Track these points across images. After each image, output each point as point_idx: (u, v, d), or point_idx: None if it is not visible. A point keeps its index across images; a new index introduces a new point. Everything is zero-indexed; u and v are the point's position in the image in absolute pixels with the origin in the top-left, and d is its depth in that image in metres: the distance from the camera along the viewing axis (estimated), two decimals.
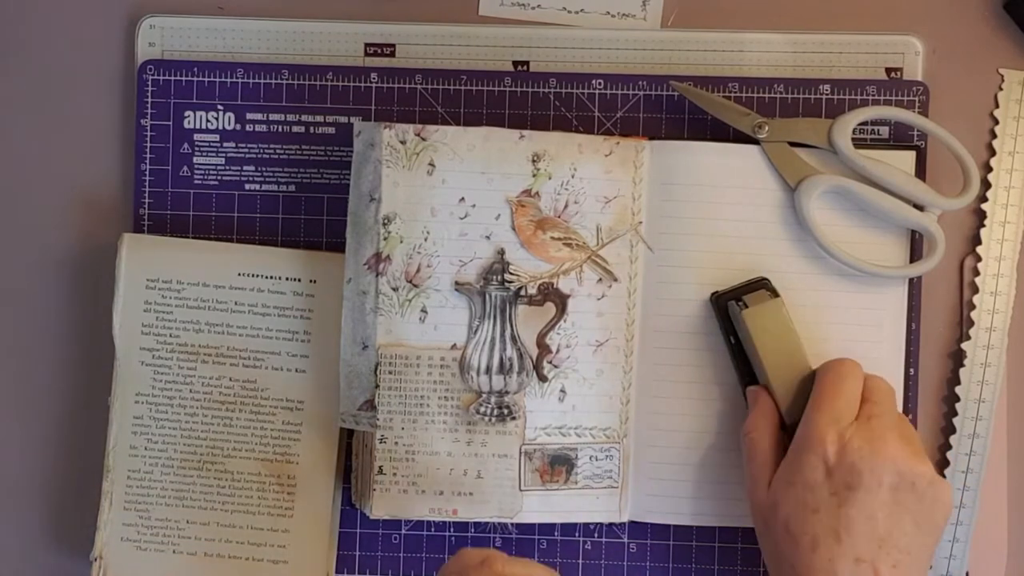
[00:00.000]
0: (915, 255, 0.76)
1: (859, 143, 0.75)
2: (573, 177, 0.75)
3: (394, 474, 0.74)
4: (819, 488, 0.65)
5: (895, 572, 0.64)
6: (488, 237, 0.75)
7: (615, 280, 0.75)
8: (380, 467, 0.74)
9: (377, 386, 0.74)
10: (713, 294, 0.75)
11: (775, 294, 0.74)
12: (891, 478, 0.65)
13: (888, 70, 0.78)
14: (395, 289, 0.74)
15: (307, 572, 0.76)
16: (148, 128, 0.79)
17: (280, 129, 0.78)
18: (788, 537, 0.65)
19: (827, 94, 0.77)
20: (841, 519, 0.64)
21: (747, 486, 0.70)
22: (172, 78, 0.78)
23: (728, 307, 0.74)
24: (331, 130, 0.78)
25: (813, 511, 0.65)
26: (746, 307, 0.73)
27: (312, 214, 0.78)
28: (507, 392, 0.74)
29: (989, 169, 0.77)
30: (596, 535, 0.77)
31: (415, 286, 0.74)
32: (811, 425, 0.67)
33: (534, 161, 0.74)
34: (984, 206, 0.77)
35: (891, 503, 0.65)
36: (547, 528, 0.77)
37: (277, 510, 0.76)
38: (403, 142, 0.74)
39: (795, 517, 0.65)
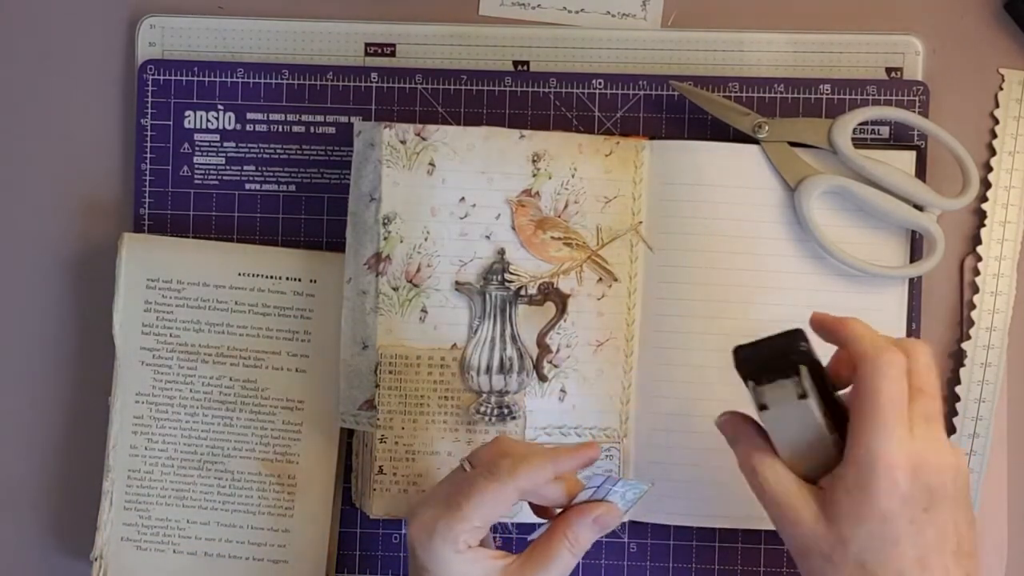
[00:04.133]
0: (915, 255, 0.76)
1: (859, 143, 0.75)
2: (573, 177, 0.75)
3: (394, 474, 0.74)
4: (896, 518, 0.58)
5: None
6: (488, 237, 0.75)
7: (615, 280, 0.75)
8: (380, 467, 0.74)
9: (377, 386, 0.74)
10: (736, 351, 0.63)
11: (811, 370, 0.61)
12: (953, 484, 0.60)
13: (888, 70, 0.78)
14: (395, 289, 0.74)
15: (307, 572, 0.76)
16: (148, 128, 0.79)
17: (280, 129, 0.78)
18: (865, 574, 0.59)
19: (827, 94, 0.77)
20: (923, 547, 0.59)
21: (781, 526, 0.62)
22: (172, 78, 0.78)
23: (745, 384, 0.62)
24: (331, 130, 0.78)
25: (893, 544, 0.58)
26: (766, 408, 0.61)
27: (312, 214, 0.78)
28: (507, 392, 0.74)
29: (989, 169, 0.77)
30: None
31: (415, 286, 0.74)
32: (872, 448, 0.59)
33: (534, 161, 0.74)
34: (984, 206, 0.77)
35: (954, 510, 0.60)
36: None
37: (277, 510, 0.76)
38: (403, 142, 0.74)
39: (873, 553, 0.59)
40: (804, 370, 0.60)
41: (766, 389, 0.61)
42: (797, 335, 0.61)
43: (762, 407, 0.61)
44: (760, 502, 0.63)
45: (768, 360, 0.61)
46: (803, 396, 0.60)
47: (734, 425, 0.65)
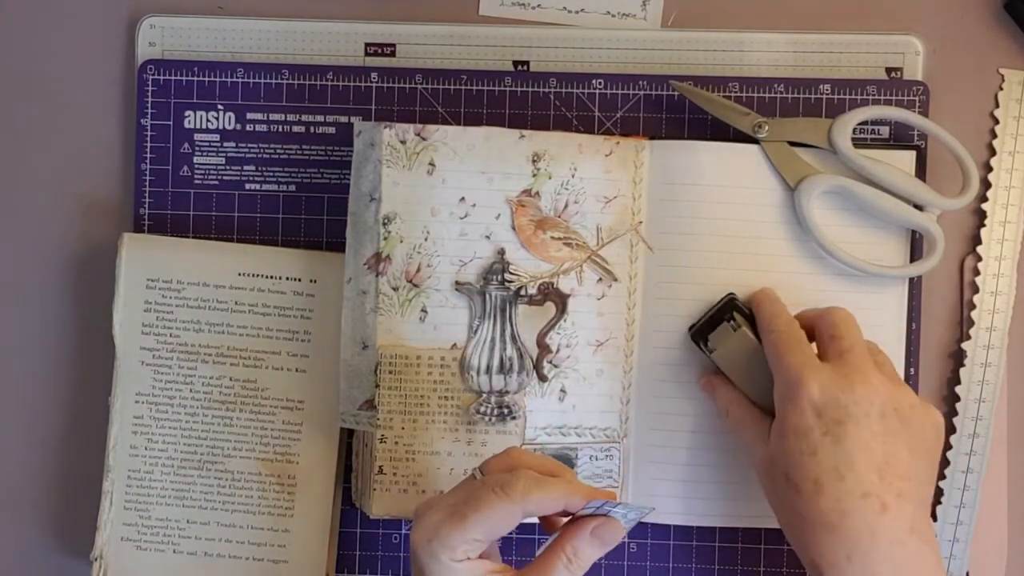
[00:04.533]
0: (915, 255, 0.76)
1: (859, 143, 0.75)
2: (573, 177, 0.75)
3: (394, 474, 0.74)
4: (811, 431, 0.64)
5: (900, 501, 0.64)
6: (488, 237, 0.75)
7: (615, 280, 0.75)
8: (380, 467, 0.74)
9: (377, 386, 0.74)
10: (690, 328, 0.74)
11: (739, 319, 0.73)
12: (877, 407, 0.65)
13: (888, 70, 0.78)
14: (395, 289, 0.74)
15: (307, 572, 0.76)
16: (148, 128, 0.79)
17: (280, 129, 0.78)
18: (791, 487, 0.64)
19: (827, 94, 0.77)
20: (839, 456, 0.64)
21: (747, 451, 0.70)
22: (172, 78, 0.78)
23: (700, 348, 0.74)
24: (331, 130, 0.78)
25: (810, 455, 0.64)
26: (714, 350, 0.73)
27: (312, 214, 0.78)
28: (507, 392, 0.74)
29: (989, 169, 0.77)
30: None
31: (415, 286, 0.74)
32: (787, 371, 0.67)
33: (534, 161, 0.74)
34: (984, 206, 0.77)
35: (882, 432, 0.65)
36: None
37: (277, 510, 0.76)
38: (403, 142, 0.74)
39: (794, 465, 0.64)
40: (735, 313, 0.73)
41: (710, 338, 0.73)
42: (729, 297, 0.74)
43: (712, 351, 0.73)
44: (733, 437, 0.72)
45: (710, 321, 0.74)
46: (737, 328, 0.72)
47: (710, 381, 0.73)
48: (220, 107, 0.78)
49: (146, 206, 0.79)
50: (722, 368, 0.73)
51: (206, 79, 0.78)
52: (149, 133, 0.79)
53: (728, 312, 0.73)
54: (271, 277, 0.77)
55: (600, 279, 0.75)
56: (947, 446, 0.77)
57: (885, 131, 0.77)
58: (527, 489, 0.62)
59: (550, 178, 0.75)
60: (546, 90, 0.78)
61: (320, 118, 0.78)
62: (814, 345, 0.70)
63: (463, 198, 0.74)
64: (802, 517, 0.64)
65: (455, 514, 0.61)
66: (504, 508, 0.61)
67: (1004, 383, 0.77)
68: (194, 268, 0.77)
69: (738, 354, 0.72)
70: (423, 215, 0.74)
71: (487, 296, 0.75)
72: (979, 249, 0.77)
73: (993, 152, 0.78)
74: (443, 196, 0.74)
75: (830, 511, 0.63)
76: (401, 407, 0.74)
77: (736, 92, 0.77)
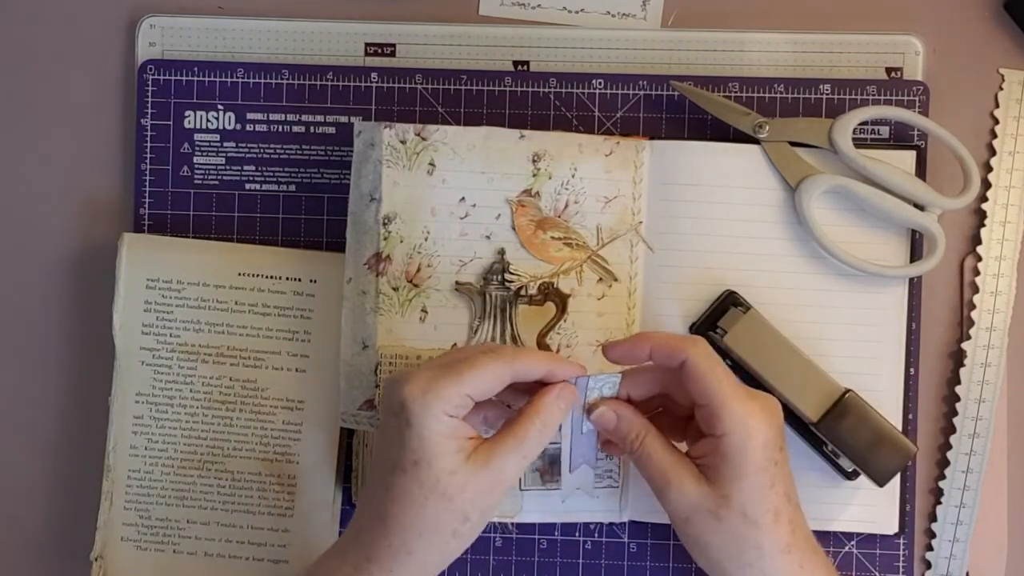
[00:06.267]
0: (915, 255, 0.76)
1: (859, 143, 0.75)
2: (573, 177, 0.75)
3: None
4: (769, 465, 0.65)
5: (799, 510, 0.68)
6: (488, 237, 0.75)
7: (615, 280, 0.75)
8: None
9: (377, 386, 0.74)
10: (691, 326, 0.75)
11: (746, 306, 0.74)
12: (783, 432, 0.67)
13: (888, 70, 0.78)
14: (395, 289, 0.74)
15: None
16: (148, 128, 0.79)
17: (280, 129, 0.78)
18: (748, 523, 0.65)
19: (827, 94, 0.77)
20: (785, 482, 0.66)
21: (667, 493, 0.66)
22: (172, 78, 0.78)
23: (711, 339, 0.73)
24: (331, 130, 0.78)
25: (770, 487, 0.65)
26: (725, 333, 0.73)
27: (312, 214, 0.78)
28: None
29: (989, 169, 0.77)
30: (596, 535, 0.77)
31: (415, 286, 0.74)
32: (737, 415, 0.64)
33: (534, 161, 0.74)
34: (984, 206, 0.77)
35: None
36: (547, 528, 0.77)
37: (277, 510, 0.76)
38: (403, 142, 0.74)
39: (753, 501, 0.65)
40: (738, 294, 0.74)
41: (720, 323, 0.74)
42: (727, 292, 0.75)
43: (723, 335, 0.73)
44: (645, 475, 0.68)
45: (710, 317, 0.74)
46: (747, 310, 0.74)
47: (609, 415, 0.68)
48: (220, 107, 0.78)
49: (146, 206, 0.79)
50: (734, 351, 0.73)
51: (206, 79, 0.78)
52: (149, 133, 0.79)
53: (729, 306, 0.74)
54: (271, 277, 0.77)
55: (600, 279, 0.75)
56: (947, 446, 0.77)
57: (885, 131, 0.77)
58: (516, 352, 0.66)
59: (550, 178, 0.75)
60: (546, 90, 0.78)
61: (320, 118, 0.78)
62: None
63: (463, 198, 0.74)
64: (760, 549, 0.65)
65: (451, 370, 0.64)
66: (496, 367, 0.64)
67: (1004, 383, 0.77)
68: (194, 268, 0.77)
69: (750, 335, 0.73)
70: (423, 215, 0.74)
71: (487, 296, 0.74)
72: (979, 249, 0.77)
73: (993, 152, 0.78)
74: (443, 196, 0.74)
75: (786, 534, 0.65)
76: None
77: (736, 92, 0.77)
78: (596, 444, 0.69)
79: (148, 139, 0.79)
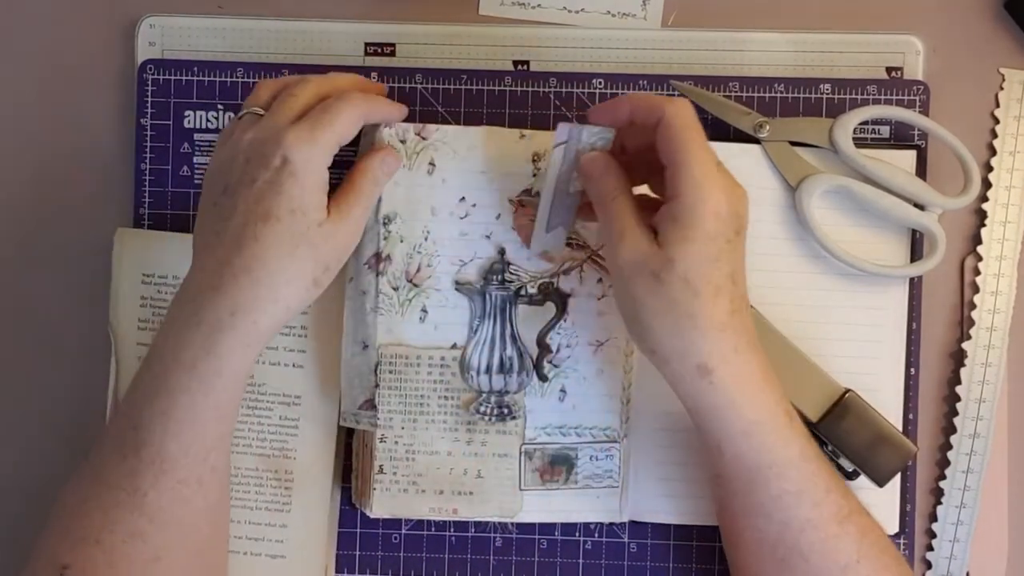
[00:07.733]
0: (916, 255, 0.76)
1: (860, 142, 0.75)
2: None
3: (394, 473, 0.74)
4: (717, 238, 0.65)
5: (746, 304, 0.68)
6: (488, 237, 0.75)
7: None
8: (380, 466, 0.74)
9: (377, 385, 0.74)
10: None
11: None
12: (746, 222, 0.67)
13: (889, 69, 0.78)
14: (395, 288, 0.74)
15: (306, 566, 0.76)
16: (148, 128, 0.79)
17: None
18: (689, 289, 0.65)
19: (828, 94, 0.77)
20: (733, 264, 0.66)
21: (619, 248, 0.66)
22: (172, 78, 0.78)
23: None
24: None
25: (714, 261, 0.65)
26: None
27: None
28: (507, 392, 0.74)
29: (990, 168, 0.77)
30: (596, 535, 0.77)
31: (415, 286, 0.74)
32: (697, 177, 0.65)
33: (534, 160, 0.74)
34: (985, 206, 0.77)
35: (742, 245, 0.67)
36: (547, 528, 0.77)
37: (275, 505, 0.76)
38: (403, 141, 0.74)
39: (695, 269, 0.65)
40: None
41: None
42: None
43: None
44: (604, 230, 0.68)
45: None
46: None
47: (599, 164, 0.69)
48: (220, 107, 0.78)
49: (146, 206, 0.79)
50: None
51: (206, 79, 0.78)
52: (149, 133, 0.79)
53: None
54: None
55: (600, 279, 0.75)
56: (947, 446, 0.77)
57: (886, 131, 0.77)
58: (365, 96, 0.71)
59: None
60: (546, 90, 0.78)
61: None
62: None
63: (463, 198, 0.74)
64: (694, 318, 0.65)
65: (322, 122, 0.68)
66: (355, 112, 0.69)
67: (1004, 383, 0.77)
68: (188, 262, 0.76)
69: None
70: (423, 215, 0.74)
71: (487, 296, 0.74)
72: (980, 249, 0.77)
73: (993, 152, 0.78)
74: (443, 196, 0.74)
75: (724, 312, 0.65)
76: (401, 407, 0.74)
77: (736, 92, 0.77)
78: (575, 209, 0.71)
79: (148, 139, 0.79)
